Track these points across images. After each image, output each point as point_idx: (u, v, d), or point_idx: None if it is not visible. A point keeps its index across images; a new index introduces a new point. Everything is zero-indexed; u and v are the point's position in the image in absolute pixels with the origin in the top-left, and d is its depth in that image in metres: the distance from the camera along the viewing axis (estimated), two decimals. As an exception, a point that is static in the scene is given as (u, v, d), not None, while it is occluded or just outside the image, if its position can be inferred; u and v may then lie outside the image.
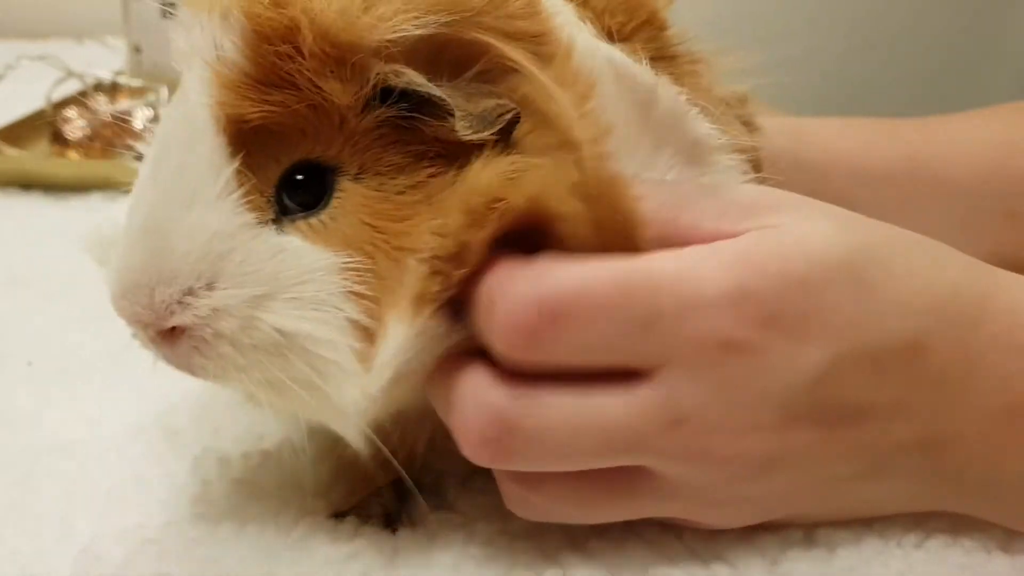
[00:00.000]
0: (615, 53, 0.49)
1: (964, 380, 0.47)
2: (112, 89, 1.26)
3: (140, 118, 1.16)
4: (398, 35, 0.44)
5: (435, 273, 0.44)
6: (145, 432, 0.63)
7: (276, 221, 0.46)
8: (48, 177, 1.08)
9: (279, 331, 0.45)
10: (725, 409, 0.44)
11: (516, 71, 0.45)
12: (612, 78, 0.48)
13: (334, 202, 0.46)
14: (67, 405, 0.67)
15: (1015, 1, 2.09)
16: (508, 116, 0.45)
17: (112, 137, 1.16)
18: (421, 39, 0.44)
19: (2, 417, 0.65)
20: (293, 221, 0.46)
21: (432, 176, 0.46)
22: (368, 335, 0.44)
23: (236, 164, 0.45)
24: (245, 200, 0.45)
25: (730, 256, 0.44)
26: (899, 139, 0.81)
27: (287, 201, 0.46)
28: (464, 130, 0.45)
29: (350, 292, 0.44)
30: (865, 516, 0.52)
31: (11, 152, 1.13)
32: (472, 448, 0.44)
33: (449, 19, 0.44)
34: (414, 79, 0.44)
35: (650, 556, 0.53)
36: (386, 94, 0.45)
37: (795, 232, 0.45)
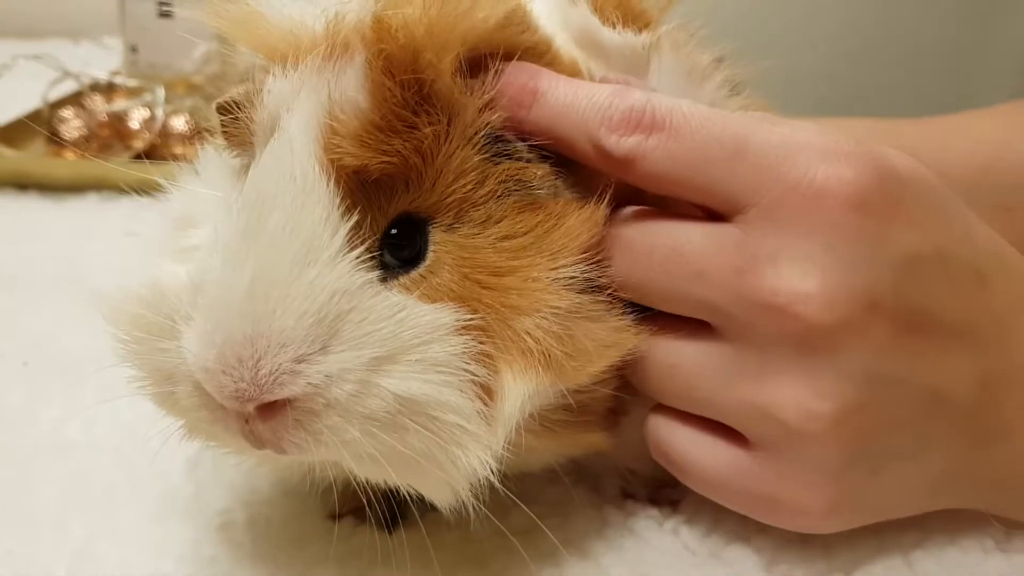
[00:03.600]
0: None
1: (1019, 323, 0.49)
2: (108, 89, 1.26)
3: (136, 118, 1.16)
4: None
5: (555, 330, 0.43)
6: (140, 432, 0.62)
7: (381, 278, 0.43)
8: (44, 177, 1.08)
9: (399, 397, 0.41)
10: (802, 261, 0.44)
11: None
12: None
13: (430, 255, 0.44)
14: (62, 405, 0.66)
15: (1015, 1, 2.09)
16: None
17: (108, 137, 1.16)
18: None
19: (-3, 417, 0.65)
20: (396, 276, 0.43)
21: (534, 222, 0.45)
22: (488, 394, 0.42)
23: (354, 219, 0.42)
24: (363, 257, 0.42)
25: (829, 135, 0.46)
26: (896, 138, 0.81)
27: (388, 256, 0.43)
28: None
29: (474, 352, 0.42)
30: (900, 483, 0.49)
31: (7, 152, 1.13)
32: None
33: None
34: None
35: (648, 556, 0.53)
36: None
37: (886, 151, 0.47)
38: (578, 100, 0.46)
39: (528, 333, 0.43)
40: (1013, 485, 0.52)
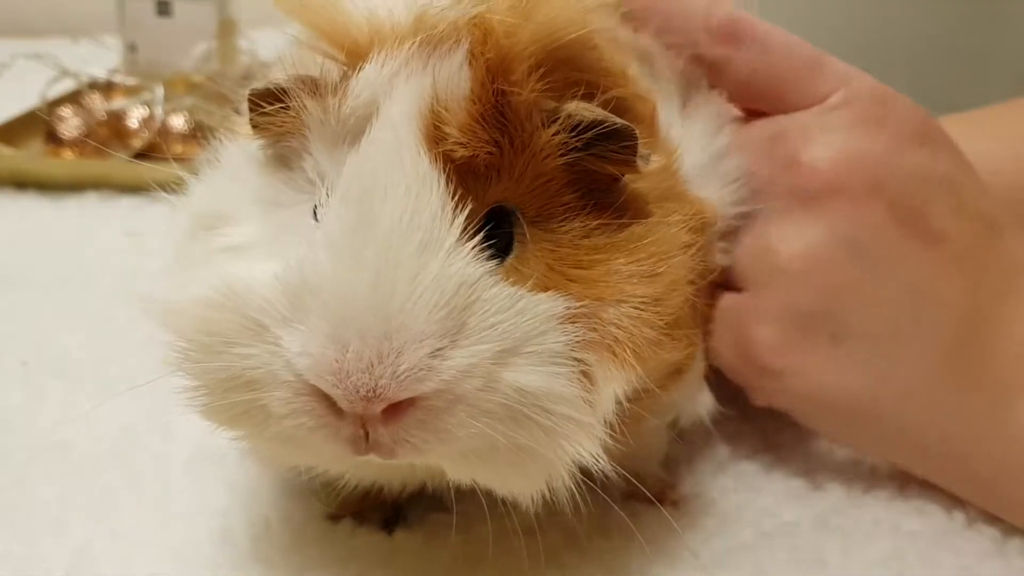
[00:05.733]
0: None
1: None
2: (107, 88, 1.25)
3: (135, 116, 1.16)
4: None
5: (648, 323, 0.43)
6: (139, 432, 0.62)
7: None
8: (43, 176, 1.08)
9: (519, 390, 0.40)
10: (828, 134, 0.54)
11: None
12: None
13: (516, 245, 0.43)
14: (61, 405, 0.66)
15: (1015, 2, 2.09)
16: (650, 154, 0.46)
17: (107, 136, 1.16)
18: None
19: (-4, 417, 0.65)
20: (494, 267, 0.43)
21: (606, 221, 0.45)
22: (592, 383, 0.42)
23: (469, 207, 0.41)
24: (479, 247, 0.41)
25: None
26: None
27: (485, 246, 0.42)
28: (643, 163, 0.45)
29: (582, 341, 0.42)
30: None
31: (6, 151, 1.13)
32: None
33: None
34: (603, 113, 0.44)
35: (650, 556, 0.53)
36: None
37: None
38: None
39: (614, 323, 0.43)
40: (982, 454, 0.53)
